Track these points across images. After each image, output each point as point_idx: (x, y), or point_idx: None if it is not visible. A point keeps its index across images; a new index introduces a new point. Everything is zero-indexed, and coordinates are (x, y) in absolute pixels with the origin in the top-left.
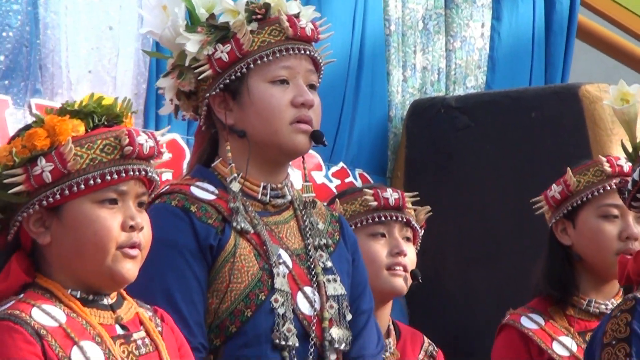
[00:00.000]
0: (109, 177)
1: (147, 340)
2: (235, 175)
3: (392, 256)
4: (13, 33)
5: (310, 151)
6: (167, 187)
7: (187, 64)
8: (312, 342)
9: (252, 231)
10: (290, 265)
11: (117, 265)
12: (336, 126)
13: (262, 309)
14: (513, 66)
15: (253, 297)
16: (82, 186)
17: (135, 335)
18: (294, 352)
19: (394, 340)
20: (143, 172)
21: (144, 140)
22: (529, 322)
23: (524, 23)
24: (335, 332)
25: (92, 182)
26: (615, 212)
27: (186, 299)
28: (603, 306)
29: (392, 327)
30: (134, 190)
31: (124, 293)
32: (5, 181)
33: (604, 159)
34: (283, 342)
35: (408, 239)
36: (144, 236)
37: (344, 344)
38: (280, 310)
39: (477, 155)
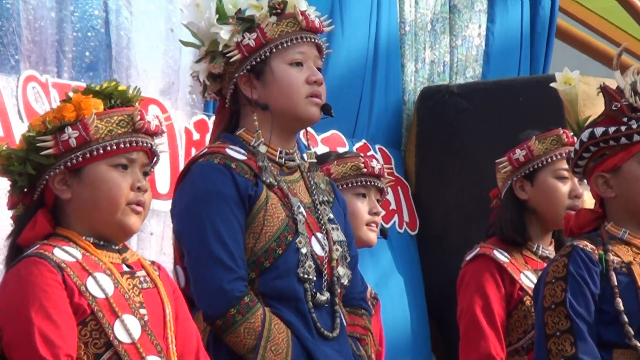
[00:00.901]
0: (122, 146)
1: (148, 279)
2: (262, 139)
3: (371, 215)
4: (95, 34)
5: (336, 131)
6: (205, 149)
7: (220, 49)
8: (324, 278)
9: (277, 186)
10: (305, 214)
11: (125, 218)
12: (357, 109)
13: (290, 248)
14: (504, 60)
15: (283, 238)
16: (101, 151)
17: (138, 273)
18: (312, 284)
19: None
20: (149, 145)
21: (151, 119)
22: (501, 256)
23: (513, 25)
24: (341, 270)
25: (108, 148)
26: (567, 174)
27: (232, 238)
28: (547, 252)
29: None
30: (141, 160)
31: (127, 245)
32: (38, 145)
33: (561, 130)
34: (306, 276)
35: (378, 201)
36: (148, 198)
37: (346, 280)
38: (303, 250)
39: (474, 132)
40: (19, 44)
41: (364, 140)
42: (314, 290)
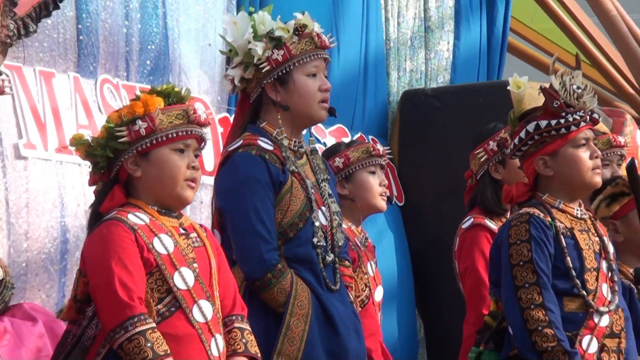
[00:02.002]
0: (180, 134)
1: (198, 239)
2: (285, 135)
3: (381, 187)
4: (154, 47)
5: (341, 125)
6: (241, 141)
7: (254, 61)
8: (329, 243)
9: (297, 171)
10: (314, 193)
11: (183, 191)
12: (353, 108)
13: (308, 222)
14: (467, 69)
15: (303, 215)
16: (164, 138)
17: (191, 235)
18: (322, 249)
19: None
20: (200, 134)
21: (201, 112)
22: (490, 223)
23: (474, 42)
24: (339, 235)
25: (170, 136)
26: None
27: (268, 216)
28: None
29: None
30: (194, 145)
31: (182, 212)
32: (116, 134)
33: None
34: (319, 243)
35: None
36: (199, 175)
37: (342, 242)
38: (317, 223)
39: (444, 126)
40: (97, 54)
41: (360, 132)
42: (323, 253)
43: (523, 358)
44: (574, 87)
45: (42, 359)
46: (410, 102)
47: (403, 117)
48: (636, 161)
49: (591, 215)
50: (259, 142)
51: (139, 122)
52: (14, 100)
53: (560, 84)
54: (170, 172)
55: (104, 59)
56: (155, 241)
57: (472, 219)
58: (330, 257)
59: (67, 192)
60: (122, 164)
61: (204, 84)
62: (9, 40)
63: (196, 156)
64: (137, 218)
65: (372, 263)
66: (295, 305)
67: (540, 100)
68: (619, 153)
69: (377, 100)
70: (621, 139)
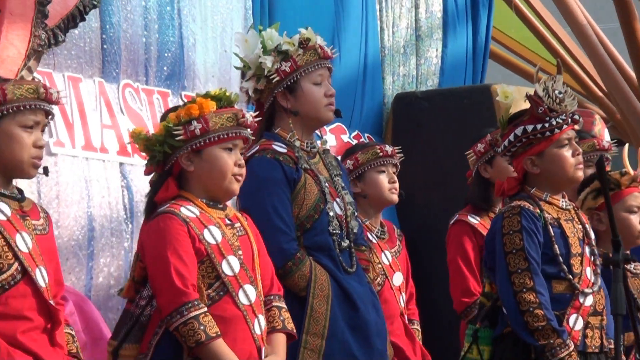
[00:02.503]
0: (230, 135)
1: (242, 228)
2: (297, 137)
3: (390, 184)
4: (171, 54)
5: (340, 123)
6: (257, 147)
7: (265, 73)
8: (344, 230)
9: (310, 169)
10: (328, 187)
11: (230, 185)
12: (352, 108)
13: (323, 213)
14: (454, 74)
15: (318, 207)
16: (216, 138)
17: (236, 225)
18: (338, 236)
19: (382, 228)
20: (245, 134)
21: (248, 116)
22: (472, 219)
23: (459, 49)
24: (353, 223)
25: (221, 136)
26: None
27: (285, 211)
28: None
29: (382, 221)
30: (240, 145)
31: (228, 204)
32: (174, 132)
33: None
34: (334, 231)
35: (394, 173)
36: (244, 171)
37: (356, 229)
38: (331, 213)
39: (432, 125)
40: (119, 61)
41: (357, 130)
42: (339, 240)
43: (516, 336)
44: (556, 92)
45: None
46: (403, 104)
47: (396, 117)
48: (603, 159)
49: (574, 205)
50: (274, 146)
51: (195, 123)
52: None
53: (543, 90)
54: (220, 168)
55: (125, 65)
56: (205, 232)
57: (457, 216)
58: (345, 243)
59: (92, 186)
60: (177, 159)
61: (215, 87)
62: (40, 49)
63: (241, 154)
64: (188, 211)
65: (388, 252)
66: (316, 288)
67: (524, 104)
68: (605, 156)
69: (373, 101)
70: (605, 144)
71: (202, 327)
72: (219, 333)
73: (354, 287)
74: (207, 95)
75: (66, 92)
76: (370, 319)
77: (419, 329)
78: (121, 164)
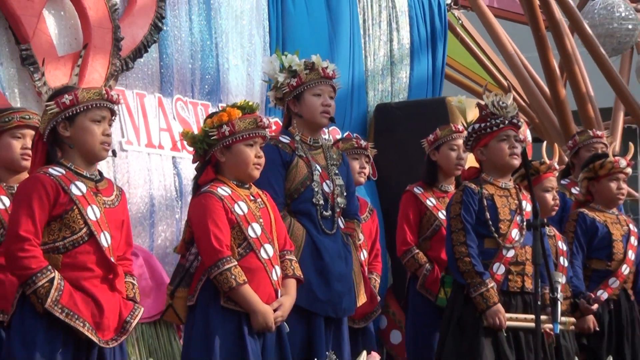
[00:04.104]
0: (252, 134)
1: (262, 202)
2: (299, 133)
3: (360, 169)
4: (210, 76)
5: (335, 127)
6: (270, 137)
7: (279, 86)
8: (329, 204)
9: (305, 156)
10: (320, 170)
11: (252, 172)
12: (343, 116)
13: (308, 189)
14: (418, 90)
15: (304, 184)
16: (240, 137)
17: (258, 200)
18: (321, 207)
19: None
20: (264, 134)
21: (265, 120)
22: (417, 190)
23: (422, 72)
24: (340, 199)
25: (245, 136)
26: (456, 147)
27: (276, 182)
28: (447, 187)
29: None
30: (260, 141)
31: (253, 184)
32: (209, 133)
33: (452, 125)
34: (317, 202)
35: (366, 161)
36: (263, 161)
37: (342, 204)
38: (316, 189)
39: (403, 128)
40: (172, 81)
41: (348, 131)
42: (322, 210)
43: (455, 278)
44: (500, 103)
45: (141, 280)
46: (381, 112)
47: (376, 122)
48: (526, 151)
49: (518, 187)
50: (280, 137)
51: (225, 126)
52: (119, 112)
53: (489, 99)
54: (244, 159)
55: (177, 84)
56: (235, 206)
57: (407, 188)
58: (327, 213)
59: (152, 173)
60: (214, 152)
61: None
62: (116, 73)
63: (260, 148)
64: (223, 191)
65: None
66: (292, 238)
67: (473, 110)
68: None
69: (359, 110)
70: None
71: (233, 277)
72: (246, 280)
73: (326, 244)
74: (234, 106)
75: (134, 104)
76: (333, 268)
77: (377, 279)
78: (173, 157)
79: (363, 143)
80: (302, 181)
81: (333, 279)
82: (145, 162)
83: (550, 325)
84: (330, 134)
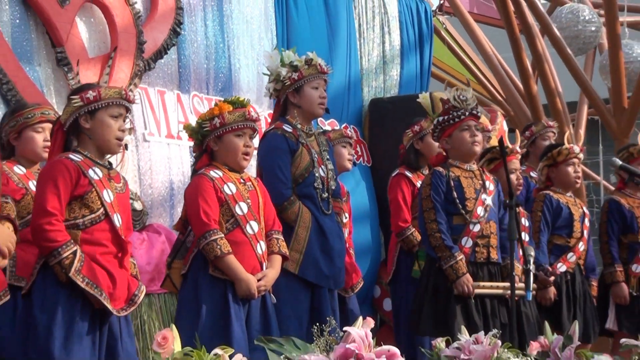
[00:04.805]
0: (241, 125)
1: (251, 185)
2: (299, 122)
3: (349, 155)
4: (223, 75)
5: (333, 119)
6: (273, 126)
7: (281, 79)
8: (325, 186)
9: (305, 143)
10: (316, 157)
11: (240, 161)
12: (341, 109)
13: (311, 174)
14: (408, 86)
15: (308, 170)
16: (229, 128)
17: (247, 183)
18: (320, 190)
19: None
20: (252, 126)
21: (254, 112)
22: (407, 172)
23: (411, 70)
24: (332, 183)
25: (234, 127)
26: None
27: (285, 169)
28: (425, 172)
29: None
30: (249, 132)
31: (245, 170)
32: (202, 125)
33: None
34: (318, 187)
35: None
36: (251, 150)
37: (334, 187)
38: (317, 174)
39: (394, 119)
40: (190, 80)
41: (345, 123)
42: (321, 192)
43: (428, 252)
44: (461, 96)
45: (163, 256)
46: (375, 106)
47: (371, 114)
48: (503, 138)
49: (480, 168)
50: (283, 127)
51: (216, 119)
52: (142, 107)
53: (450, 94)
54: (233, 148)
55: (194, 82)
56: (225, 187)
57: (398, 171)
58: (325, 195)
59: (172, 161)
60: (208, 142)
61: (254, 95)
62: (140, 73)
63: (251, 138)
64: (215, 173)
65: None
66: (301, 221)
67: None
68: (487, 135)
69: (355, 104)
70: (490, 127)
71: (219, 247)
72: (230, 251)
73: (327, 223)
74: (225, 101)
75: (156, 100)
76: (335, 246)
77: (352, 253)
78: (190, 147)
79: (350, 133)
80: (306, 167)
81: (335, 256)
82: (166, 151)
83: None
84: (330, 126)
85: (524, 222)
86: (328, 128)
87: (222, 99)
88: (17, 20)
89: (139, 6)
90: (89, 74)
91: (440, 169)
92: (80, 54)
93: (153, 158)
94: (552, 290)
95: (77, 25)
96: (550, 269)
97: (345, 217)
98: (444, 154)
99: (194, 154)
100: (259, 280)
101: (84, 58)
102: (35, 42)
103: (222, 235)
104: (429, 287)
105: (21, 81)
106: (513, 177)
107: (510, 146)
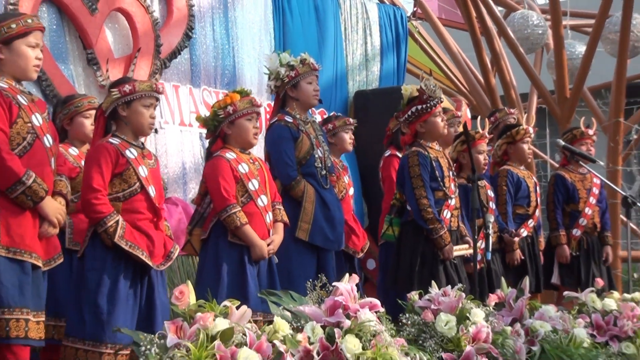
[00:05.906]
0: (250, 110)
1: (259, 164)
2: (297, 113)
3: (350, 139)
4: (229, 71)
5: (323, 109)
6: (276, 118)
7: (280, 77)
8: (323, 164)
9: (305, 130)
10: (314, 140)
11: (252, 140)
12: (329, 100)
13: (312, 156)
14: (387, 80)
15: (309, 153)
16: (241, 114)
17: (255, 163)
18: (320, 168)
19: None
20: (258, 110)
21: (258, 100)
22: (398, 153)
23: (390, 67)
24: (328, 161)
25: (244, 112)
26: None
27: (290, 153)
28: None
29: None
30: (255, 116)
31: (252, 151)
32: (217, 113)
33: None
34: (318, 165)
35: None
36: (258, 130)
37: (330, 164)
38: (316, 155)
39: (376, 109)
40: (200, 75)
41: (333, 112)
42: (320, 170)
43: (416, 223)
44: (432, 86)
45: (181, 225)
46: (359, 97)
47: (355, 105)
48: (467, 124)
49: (442, 150)
50: (285, 118)
51: (229, 107)
52: (159, 99)
53: (425, 85)
54: (246, 130)
55: (203, 78)
56: (239, 166)
57: (389, 152)
58: (323, 172)
59: (184, 145)
60: (222, 127)
61: (255, 88)
62: (157, 70)
63: (256, 121)
64: (230, 155)
65: (347, 177)
66: (307, 196)
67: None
68: (458, 120)
69: (342, 96)
70: (459, 113)
71: (238, 219)
72: (247, 222)
73: (328, 196)
74: (234, 91)
75: (171, 93)
76: (336, 215)
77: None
78: (200, 133)
79: (352, 121)
80: (308, 151)
81: (337, 224)
82: (179, 137)
83: (470, 252)
84: (320, 115)
85: (490, 193)
86: (318, 117)
87: (233, 90)
88: (54, 26)
89: (156, 14)
90: (115, 72)
91: (422, 151)
92: (107, 55)
93: (168, 143)
94: (518, 252)
95: (105, 30)
96: (513, 231)
97: (351, 191)
98: (410, 135)
99: (208, 139)
100: (268, 245)
101: (111, 58)
102: (69, 45)
103: (240, 208)
104: (416, 251)
105: (57, 78)
106: (481, 157)
107: (480, 131)
